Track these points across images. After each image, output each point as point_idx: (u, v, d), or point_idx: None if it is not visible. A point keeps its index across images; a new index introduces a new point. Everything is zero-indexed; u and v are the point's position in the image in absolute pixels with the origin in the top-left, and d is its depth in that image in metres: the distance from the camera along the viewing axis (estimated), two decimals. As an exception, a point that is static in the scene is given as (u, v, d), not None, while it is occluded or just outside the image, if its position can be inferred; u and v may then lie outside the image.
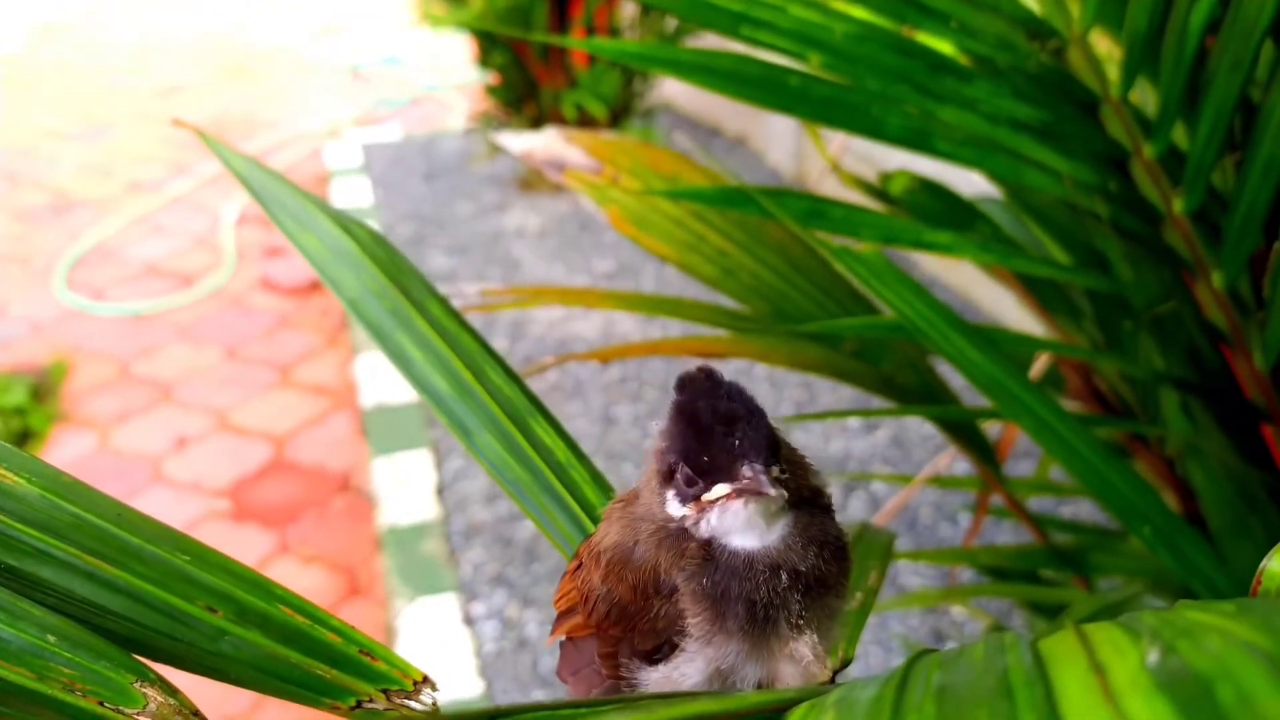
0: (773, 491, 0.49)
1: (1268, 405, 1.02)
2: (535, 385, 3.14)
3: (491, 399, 0.59)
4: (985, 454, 1.17)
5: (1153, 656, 0.29)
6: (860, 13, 0.82)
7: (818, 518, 0.53)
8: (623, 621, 0.54)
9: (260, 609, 0.44)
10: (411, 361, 0.60)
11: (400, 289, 0.62)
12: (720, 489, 0.50)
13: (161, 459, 2.96)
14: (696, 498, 0.51)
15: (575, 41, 0.85)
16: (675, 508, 0.52)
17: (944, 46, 0.89)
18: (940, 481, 1.46)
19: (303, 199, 0.65)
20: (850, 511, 2.66)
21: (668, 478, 0.52)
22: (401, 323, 0.61)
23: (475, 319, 3.60)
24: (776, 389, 3.12)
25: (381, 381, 3.12)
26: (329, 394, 3.22)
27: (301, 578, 2.55)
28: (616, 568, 0.54)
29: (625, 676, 0.55)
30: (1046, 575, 1.29)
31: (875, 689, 0.31)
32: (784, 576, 0.51)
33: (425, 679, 0.45)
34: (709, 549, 0.52)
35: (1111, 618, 0.34)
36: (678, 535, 0.52)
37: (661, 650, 0.53)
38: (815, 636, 0.52)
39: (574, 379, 3.19)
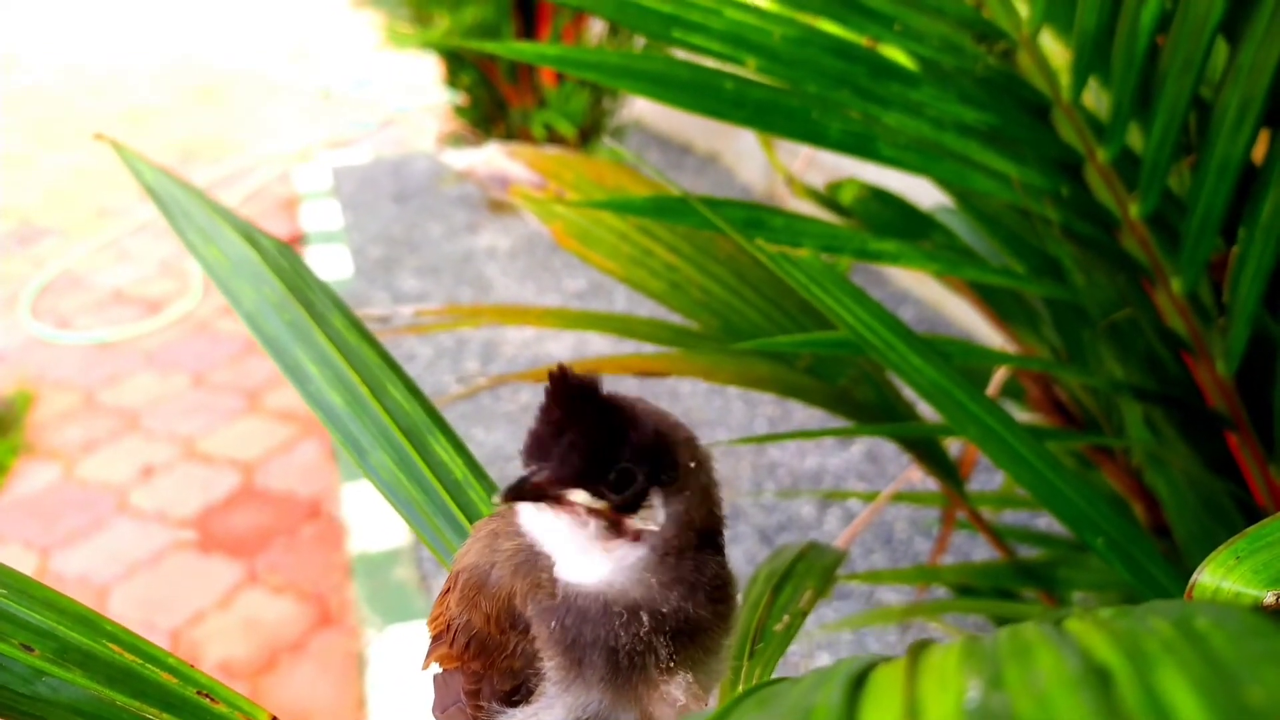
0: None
1: (1231, 413, 1.00)
2: (507, 408, 3.12)
3: (389, 415, 0.55)
4: (946, 469, 1.14)
5: (973, 693, 0.25)
6: (800, 15, 0.80)
7: (689, 557, 0.47)
8: (481, 656, 0.49)
9: (84, 646, 0.39)
10: (308, 377, 0.57)
11: (302, 302, 0.59)
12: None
13: (127, 489, 2.91)
14: None
15: (497, 46, 0.83)
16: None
17: (888, 50, 0.87)
18: (905, 498, 1.43)
19: (211, 211, 0.62)
20: (827, 528, 2.64)
21: None
22: (300, 336, 0.57)
23: (446, 340, 3.55)
24: (750, 406, 3.10)
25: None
26: (297, 420, 3.17)
27: (271, 607, 2.51)
28: (471, 593, 0.49)
29: None
30: (1023, 591, 1.26)
31: None
32: (645, 619, 0.46)
33: (272, 721, 0.41)
34: (560, 582, 0.47)
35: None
36: (533, 560, 0.47)
37: (520, 692, 0.48)
38: (690, 676, 0.47)
39: (546, 400, 3.15)
